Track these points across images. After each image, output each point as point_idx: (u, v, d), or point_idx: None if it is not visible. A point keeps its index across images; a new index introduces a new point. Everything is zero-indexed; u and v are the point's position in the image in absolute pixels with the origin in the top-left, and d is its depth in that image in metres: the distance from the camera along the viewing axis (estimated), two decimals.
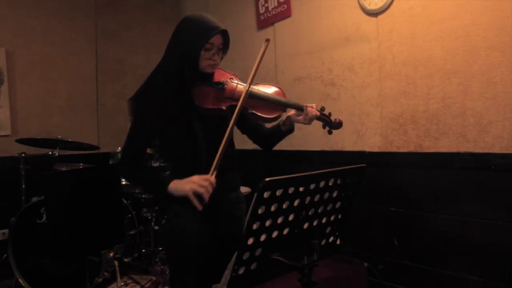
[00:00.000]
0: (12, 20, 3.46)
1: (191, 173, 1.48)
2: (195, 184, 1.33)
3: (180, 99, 1.45)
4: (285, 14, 3.15)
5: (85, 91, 3.90)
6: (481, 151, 2.06)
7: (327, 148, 2.87)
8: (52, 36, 3.68)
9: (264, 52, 1.48)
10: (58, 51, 3.72)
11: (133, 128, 1.50)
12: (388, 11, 2.45)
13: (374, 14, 2.52)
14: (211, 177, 1.34)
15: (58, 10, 3.72)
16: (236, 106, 1.41)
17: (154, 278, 3.05)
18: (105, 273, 2.88)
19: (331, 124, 1.60)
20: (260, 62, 1.46)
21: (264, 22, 3.36)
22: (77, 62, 3.85)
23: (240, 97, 1.42)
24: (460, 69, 2.13)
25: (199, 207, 1.32)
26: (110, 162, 3.27)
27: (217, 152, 1.37)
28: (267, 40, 1.52)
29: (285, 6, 3.15)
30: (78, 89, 3.84)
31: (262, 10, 3.37)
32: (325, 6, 2.84)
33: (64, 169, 2.84)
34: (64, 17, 3.76)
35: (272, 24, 3.29)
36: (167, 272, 3.00)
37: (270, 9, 3.29)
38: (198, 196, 1.32)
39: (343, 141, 2.75)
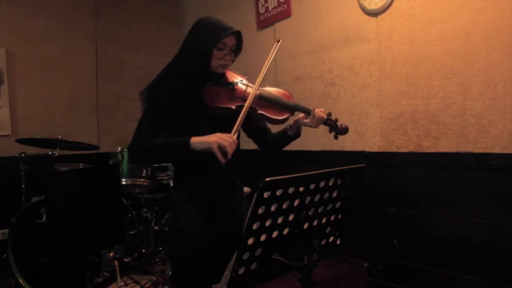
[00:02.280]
0: (12, 20, 3.46)
1: (195, 171, 1.48)
2: (219, 138, 1.33)
3: (190, 98, 1.47)
4: (285, 14, 3.15)
5: (85, 91, 3.91)
6: (481, 151, 2.06)
7: (327, 148, 2.87)
8: (52, 36, 3.68)
9: (274, 52, 1.56)
10: (58, 51, 3.72)
11: (145, 119, 1.50)
12: (388, 11, 2.45)
13: (374, 14, 2.52)
14: (233, 136, 1.35)
15: (58, 10, 3.73)
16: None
17: (154, 278, 3.05)
18: (105, 273, 2.88)
19: (337, 129, 1.61)
20: (269, 61, 1.55)
21: (264, 22, 3.36)
22: (77, 62, 3.85)
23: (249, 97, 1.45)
24: (460, 69, 2.13)
25: (223, 160, 1.32)
26: (110, 162, 3.27)
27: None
28: (278, 41, 1.60)
29: (285, 6, 3.15)
30: (78, 89, 3.85)
31: (262, 10, 3.37)
32: (325, 6, 2.84)
33: (64, 169, 2.84)
34: (64, 17, 3.76)
35: (272, 24, 3.29)
36: (167, 272, 3.00)
37: (270, 9, 3.29)
38: (222, 150, 1.32)
39: (343, 141, 2.75)
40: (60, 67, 3.73)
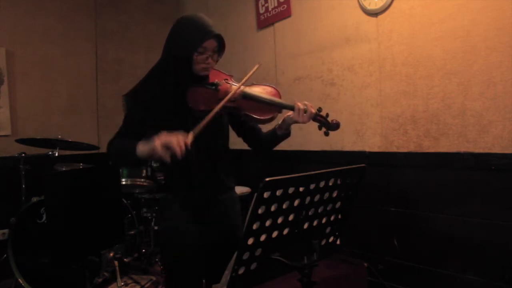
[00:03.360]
0: (12, 20, 3.46)
1: (182, 173, 1.48)
2: (164, 137, 1.26)
3: (174, 101, 1.45)
4: (285, 14, 3.15)
5: (85, 91, 3.91)
6: (481, 151, 2.06)
7: (327, 148, 2.87)
8: (52, 36, 3.68)
9: (253, 73, 1.50)
10: (58, 51, 3.72)
11: (123, 123, 1.52)
12: (388, 11, 2.45)
13: (374, 14, 2.52)
14: (187, 136, 1.27)
15: (58, 10, 3.72)
16: (229, 107, 1.42)
17: (154, 278, 3.05)
18: (105, 273, 2.88)
19: (328, 125, 1.55)
20: (247, 79, 1.48)
21: (264, 22, 3.36)
22: (77, 62, 3.85)
23: (234, 98, 1.42)
24: (460, 69, 2.13)
25: (168, 158, 1.25)
26: (110, 162, 3.27)
27: (209, 153, 1.42)
28: (259, 64, 1.55)
29: (285, 6, 3.14)
30: (78, 89, 3.85)
31: (262, 10, 3.37)
32: (325, 6, 2.84)
33: (64, 169, 2.84)
34: (64, 17, 3.76)
35: (272, 24, 3.29)
36: None
37: (270, 9, 3.29)
38: (168, 149, 1.25)
39: (343, 141, 2.75)
40: (60, 67, 3.73)
